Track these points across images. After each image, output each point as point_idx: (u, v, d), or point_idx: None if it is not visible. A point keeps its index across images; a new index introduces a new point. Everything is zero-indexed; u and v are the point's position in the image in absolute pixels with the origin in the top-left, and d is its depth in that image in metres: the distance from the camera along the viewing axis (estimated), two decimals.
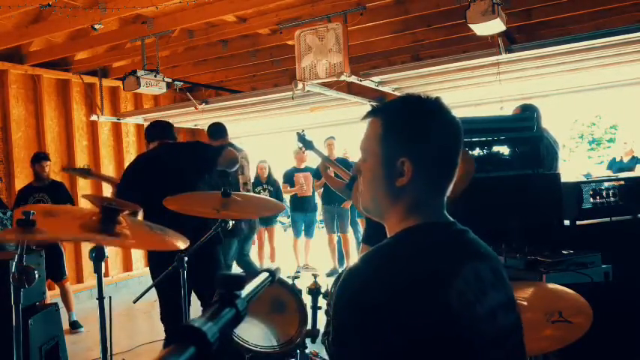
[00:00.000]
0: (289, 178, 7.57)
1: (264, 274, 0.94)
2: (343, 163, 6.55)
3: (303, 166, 7.66)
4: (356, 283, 1.02)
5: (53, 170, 6.49)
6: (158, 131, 3.71)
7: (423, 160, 1.07)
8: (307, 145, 4.46)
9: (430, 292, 0.98)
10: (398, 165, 1.07)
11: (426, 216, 1.09)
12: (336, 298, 1.05)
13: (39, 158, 5.36)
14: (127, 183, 3.41)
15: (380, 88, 6.15)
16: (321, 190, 7.48)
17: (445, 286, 0.99)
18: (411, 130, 1.09)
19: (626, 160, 8.13)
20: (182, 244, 1.97)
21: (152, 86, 5.63)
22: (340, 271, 5.54)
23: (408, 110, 1.12)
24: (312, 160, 7.20)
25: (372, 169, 1.12)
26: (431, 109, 1.11)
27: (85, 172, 4.01)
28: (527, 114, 3.33)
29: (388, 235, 1.14)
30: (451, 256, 1.05)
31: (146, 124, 7.79)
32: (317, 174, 7.41)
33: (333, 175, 4.39)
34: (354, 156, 7.43)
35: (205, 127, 8.60)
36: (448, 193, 1.12)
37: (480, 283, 1.05)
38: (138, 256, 7.82)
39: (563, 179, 3.22)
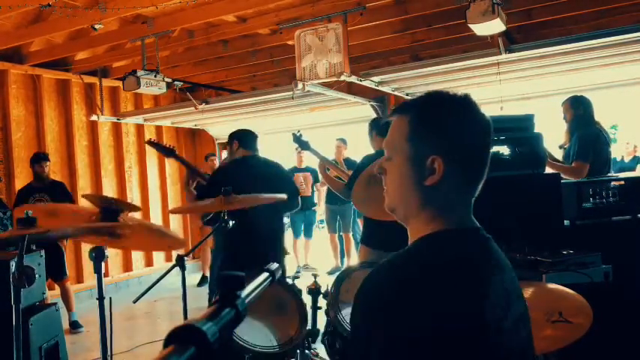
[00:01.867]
0: None
1: (264, 274, 0.94)
2: (350, 163, 6.55)
3: (303, 166, 7.66)
4: (384, 292, 0.97)
5: (53, 170, 6.50)
6: (252, 141, 3.76)
7: (455, 158, 1.03)
8: (303, 145, 4.46)
9: (464, 306, 0.95)
10: (428, 163, 1.03)
11: (454, 220, 1.05)
12: (361, 305, 0.99)
13: (38, 158, 5.36)
14: (216, 184, 3.31)
15: (380, 88, 6.15)
16: (325, 189, 7.49)
17: (479, 300, 0.96)
18: (441, 127, 1.05)
19: (627, 160, 8.14)
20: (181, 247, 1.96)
21: (152, 86, 5.63)
22: (343, 269, 5.55)
23: (436, 107, 1.08)
24: (312, 160, 7.20)
25: (400, 169, 1.07)
26: (460, 106, 1.07)
27: (168, 152, 4.03)
28: (528, 114, 3.32)
29: (410, 237, 1.09)
30: (482, 267, 1.02)
31: (146, 124, 7.85)
32: (317, 176, 7.41)
33: (332, 176, 4.39)
34: (353, 156, 7.43)
35: (205, 127, 8.68)
36: (477, 193, 1.08)
37: (506, 295, 1.03)
38: (138, 256, 7.82)
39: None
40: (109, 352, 2.17)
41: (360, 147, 7.58)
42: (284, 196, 2.89)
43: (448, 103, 1.08)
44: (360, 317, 0.99)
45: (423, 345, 0.91)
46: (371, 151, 3.86)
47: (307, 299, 2.63)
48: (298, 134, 4.47)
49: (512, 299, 1.04)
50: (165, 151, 4.03)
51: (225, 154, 9.03)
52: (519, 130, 3.18)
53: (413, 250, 1.05)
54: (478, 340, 0.94)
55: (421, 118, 1.06)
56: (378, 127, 3.75)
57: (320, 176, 4.37)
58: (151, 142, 4.13)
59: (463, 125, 1.05)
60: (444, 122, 1.05)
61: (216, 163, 7.67)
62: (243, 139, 3.73)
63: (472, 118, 1.06)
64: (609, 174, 4.05)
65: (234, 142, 3.73)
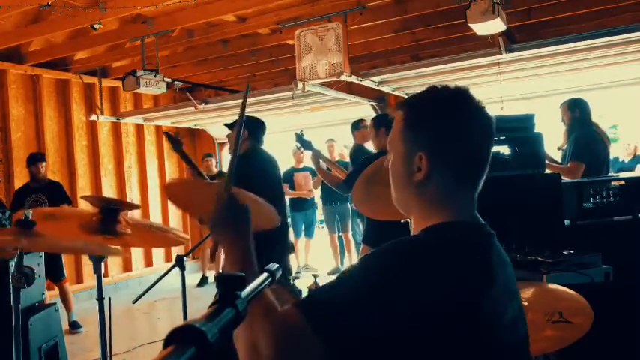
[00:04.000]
0: (288, 178, 7.54)
1: (264, 274, 0.94)
2: (343, 165, 6.55)
3: (301, 166, 7.65)
4: (380, 275, 0.93)
5: (52, 170, 6.50)
6: (262, 133, 3.59)
7: (442, 156, 1.03)
8: (306, 145, 4.45)
9: (464, 300, 0.92)
10: (416, 160, 1.04)
11: (455, 214, 1.04)
12: (363, 268, 0.96)
13: (35, 159, 5.35)
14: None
15: (380, 87, 6.15)
16: (320, 189, 7.49)
17: (479, 294, 0.95)
18: (430, 125, 1.05)
19: (627, 160, 8.14)
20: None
21: (152, 86, 5.63)
22: (342, 269, 5.55)
23: (428, 104, 1.08)
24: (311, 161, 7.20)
25: (394, 164, 1.10)
26: (453, 103, 1.06)
27: (178, 146, 3.89)
28: (528, 114, 3.32)
29: (412, 231, 1.09)
30: (485, 261, 1.00)
31: (146, 124, 7.84)
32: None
33: (326, 169, 4.37)
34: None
35: (205, 127, 8.67)
36: (479, 189, 1.08)
37: (507, 291, 1.02)
38: (137, 256, 7.81)
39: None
40: (108, 353, 2.17)
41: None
42: (275, 214, 2.82)
43: (440, 99, 1.07)
44: (357, 278, 0.95)
45: (419, 325, 0.88)
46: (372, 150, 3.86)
47: None
48: (301, 134, 4.46)
49: (512, 296, 1.04)
50: (176, 146, 3.91)
51: (224, 153, 9.03)
52: (520, 130, 3.18)
53: (421, 235, 1.04)
54: (479, 331, 0.92)
55: (413, 114, 1.07)
56: (387, 124, 3.66)
57: (315, 170, 4.33)
58: (167, 134, 4.06)
59: (455, 123, 1.04)
60: (434, 120, 1.05)
61: (213, 165, 7.65)
62: (256, 129, 3.55)
63: (466, 116, 1.05)
64: (609, 174, 4.05)
65: (243, 129, 3.56)
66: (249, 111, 7.29)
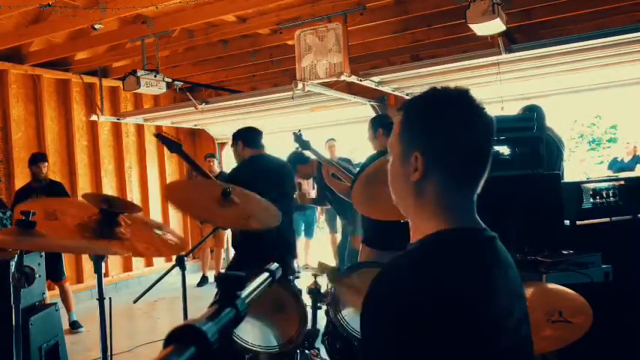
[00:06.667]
0: None
1: (264, 274, 0.94)
2: (347, 162, 6.54)
3: None
4: (390, 292, 0.96)
5: (53, 170, 6.50)
6: (257, 139, 3.70)
7: (438, 155, 1.02)
8: (304, 145, 4.45)
9: (470, 306, 0.94)
10: (412, 160, 1.03)
11: (455, 219, 1.03)
12: (371, 308, 0.98)
13: (36, 159, 5.35)
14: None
15: (380, 88, 6.15)
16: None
17: (483, 302, 0.97)
18: (425, 125, 1.04)
19: (627, 159, 8.14)
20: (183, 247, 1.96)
21: (152, 86, 5.63)
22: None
23: (424, 105, 1.08)
24: None
25: (393, 166, 1.09)
26: (453, 103, 1.05)
27: (176, 147, 3.79)
28: (527, 114, 3.33)
29: (412, 233, 1.08)
30: (487, 268, 1.01)
31: (146, 124, 7.84)
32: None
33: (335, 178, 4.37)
34: (353, 156, 7.44)
35: (205, 127, 8.67)
36: (478, 190, 1.06)
37: (511, 295, 1.03)
38: None
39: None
40: (108, 352, 2.17)
41: (360, 147, 7.58)
42: (277, 212, 2.78)
43: (437, 100, 1.07)
44: (370, 320, 0.98)
45: (429, 346, 0.91)
46: (371, 150, 3.85)
47: (307, 299, 2.62)
48: (299, 133, 4.47)
49: (516, 299, 1.05)
50: (172, 146, 3.88)
51: (224, 153, 9.04)
52: (520, 130, 3.18)
53: (415, 252, 1.04)
54: (481, 340, 0.94)
55: (409, 115, 1.07)
56: (385, 125, 3.69)
57: (326, 181, 4.33)
58: (160, 135, 3.98)
59: (450, 123, 1.03)
60: (429, 120, 1.05)
61: (215, 164, 7.66)
62: (247, 138, 3.67)
63: (461, 116, 1.04)
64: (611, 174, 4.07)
65: (238, 142, 3.67)
66: (250, 111, 7.32)
